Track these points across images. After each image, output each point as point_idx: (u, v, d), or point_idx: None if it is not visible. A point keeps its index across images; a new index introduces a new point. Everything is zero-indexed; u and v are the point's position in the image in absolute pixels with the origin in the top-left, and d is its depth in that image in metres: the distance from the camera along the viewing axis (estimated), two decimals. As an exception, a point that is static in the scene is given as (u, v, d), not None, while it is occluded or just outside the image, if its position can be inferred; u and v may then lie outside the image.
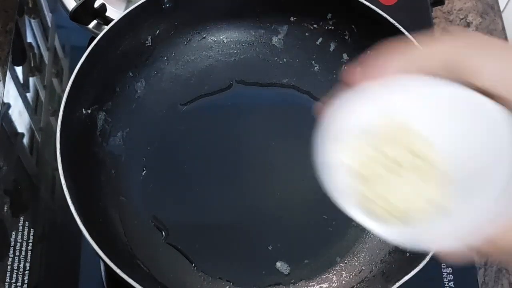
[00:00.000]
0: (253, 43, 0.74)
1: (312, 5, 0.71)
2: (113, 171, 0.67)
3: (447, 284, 0.67)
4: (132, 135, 0.69)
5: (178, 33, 0.72)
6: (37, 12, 0.84)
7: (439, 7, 0.85)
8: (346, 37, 0.72)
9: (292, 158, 0.69)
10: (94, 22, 0.74)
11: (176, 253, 0.64)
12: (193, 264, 0.64)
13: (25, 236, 0.67)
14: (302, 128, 0.71)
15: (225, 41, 0.74)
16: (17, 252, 0.66)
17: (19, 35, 0.82)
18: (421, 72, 0.36)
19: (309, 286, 0.64)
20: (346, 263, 0.65)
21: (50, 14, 0.84)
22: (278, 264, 0.64)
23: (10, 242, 0.67)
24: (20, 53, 0.81)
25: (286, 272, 0.64)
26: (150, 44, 0.71)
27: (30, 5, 0.84)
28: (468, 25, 0.87)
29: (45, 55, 0.81)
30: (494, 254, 0.34)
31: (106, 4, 0.72)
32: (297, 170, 0.69)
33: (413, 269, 0.56)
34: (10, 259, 0.66)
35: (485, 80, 0.35)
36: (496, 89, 0.35)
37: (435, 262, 0.66)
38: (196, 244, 0.65)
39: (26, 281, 0.65)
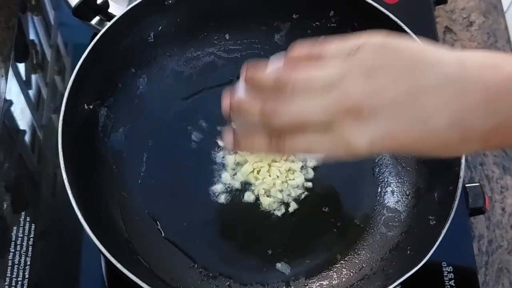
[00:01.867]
0: (255, 40, 0.74)
1: (315, 3, 0.71)
2: (114, 166, 0.67)
3: (448, 283, 0.66)
4: (134, 131, 0.69)
5: (181, 30, 0.72)
6: (40, 9, 0.84)
7: (441, 5, 0.85)
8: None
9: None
10: (97, 18, 0.74)
11: (176, 249, 0.64)
12: (193, 261, 0.64)
13: (26, 231, 0.67)
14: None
15: (227, 38, 0.74)
16: (18, 247, 0.66)
17: (22, 32, 0.82)
18: None
19: (310, 283, 0.64)
20: (346, 260, 0.65)
21: (53, 11, 0.85)
22: (279, 265, 0.64)
23: (11, 237, 0.67)
24: (23, 50, 0.81)
25: (287, 272, 0.64)
26: (153, 40, 0.71)
27: (33, 2, 0.84)
28: (471, 24, 0.87)
29: (48, 52, 0.81)
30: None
31: (109, 0, 0.73)
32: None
33: (413, 267, 0.56)
34: (11, 254, 0.66)
35: None
36: None
37: (436, 261, 0.66)
38: (197, 241, 0.65)
39: (27, 276, 0.65)
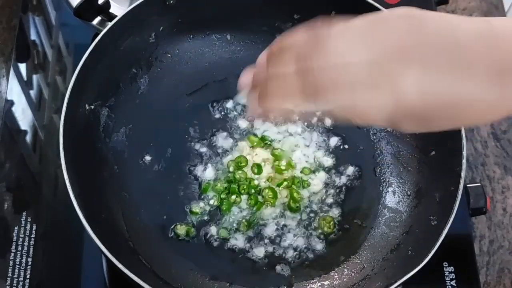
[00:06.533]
0: (256, 41, 0.74)
1: (316, 3, 0.71)
2: (115, 167, 0.67)
3: (449, 283, 0.66)
4: (135, 131, 0.69)
5: (182, 30, 0.72)
6: (41, 10, 0.84)
7: (443, 6, 0.85)
8: (350, 35, 0.72)
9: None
10: (98, 18, 0.74)
11: (177, 249, 0.64)
12: (194, 262, 0.64)
13: (28, 232, 0.67)
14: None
15: (229, 38, 0.74)
16: (19, 248, 0.66)
17: (23, 32, 0.82)
18: None
19: (311, 283, 0.64)
20: (348, 260, 0.65)
21: (54, 12, 0.85)
22: (278, 267, 0.64)
23: (12, 237, 0.67)
24: (24, 50, 0.81)
25: (286, 274, 0.64)
26: (154, 40, 0.71)
27: (35, 3, 0.84)
28: (472, 24, 0.87)
29: (49, 52, 0.81)
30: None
31: (110, 1, 0.73)
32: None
33: (415, 267, 0.56)
34: (12, 254, 0.66)
35: None
36: None
37: (437, 261, 0.66)
38: (197, 242, 0.65)
39: (28, 276, 0.65)
